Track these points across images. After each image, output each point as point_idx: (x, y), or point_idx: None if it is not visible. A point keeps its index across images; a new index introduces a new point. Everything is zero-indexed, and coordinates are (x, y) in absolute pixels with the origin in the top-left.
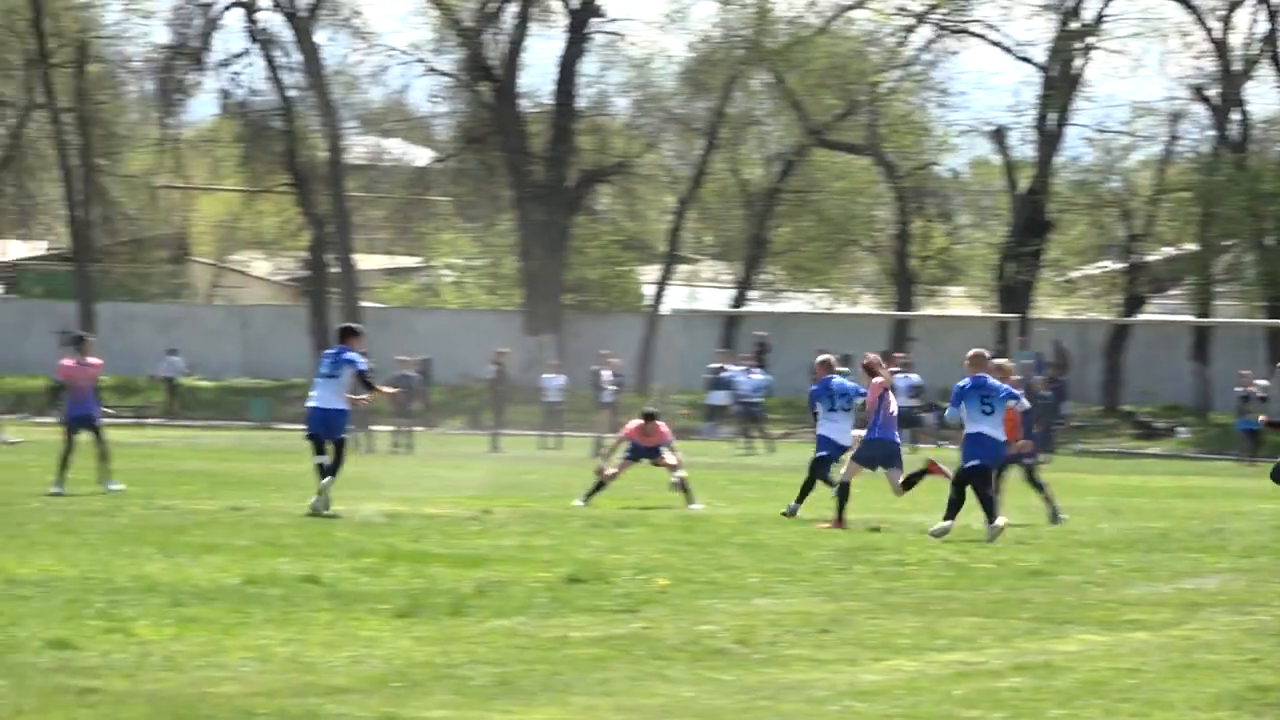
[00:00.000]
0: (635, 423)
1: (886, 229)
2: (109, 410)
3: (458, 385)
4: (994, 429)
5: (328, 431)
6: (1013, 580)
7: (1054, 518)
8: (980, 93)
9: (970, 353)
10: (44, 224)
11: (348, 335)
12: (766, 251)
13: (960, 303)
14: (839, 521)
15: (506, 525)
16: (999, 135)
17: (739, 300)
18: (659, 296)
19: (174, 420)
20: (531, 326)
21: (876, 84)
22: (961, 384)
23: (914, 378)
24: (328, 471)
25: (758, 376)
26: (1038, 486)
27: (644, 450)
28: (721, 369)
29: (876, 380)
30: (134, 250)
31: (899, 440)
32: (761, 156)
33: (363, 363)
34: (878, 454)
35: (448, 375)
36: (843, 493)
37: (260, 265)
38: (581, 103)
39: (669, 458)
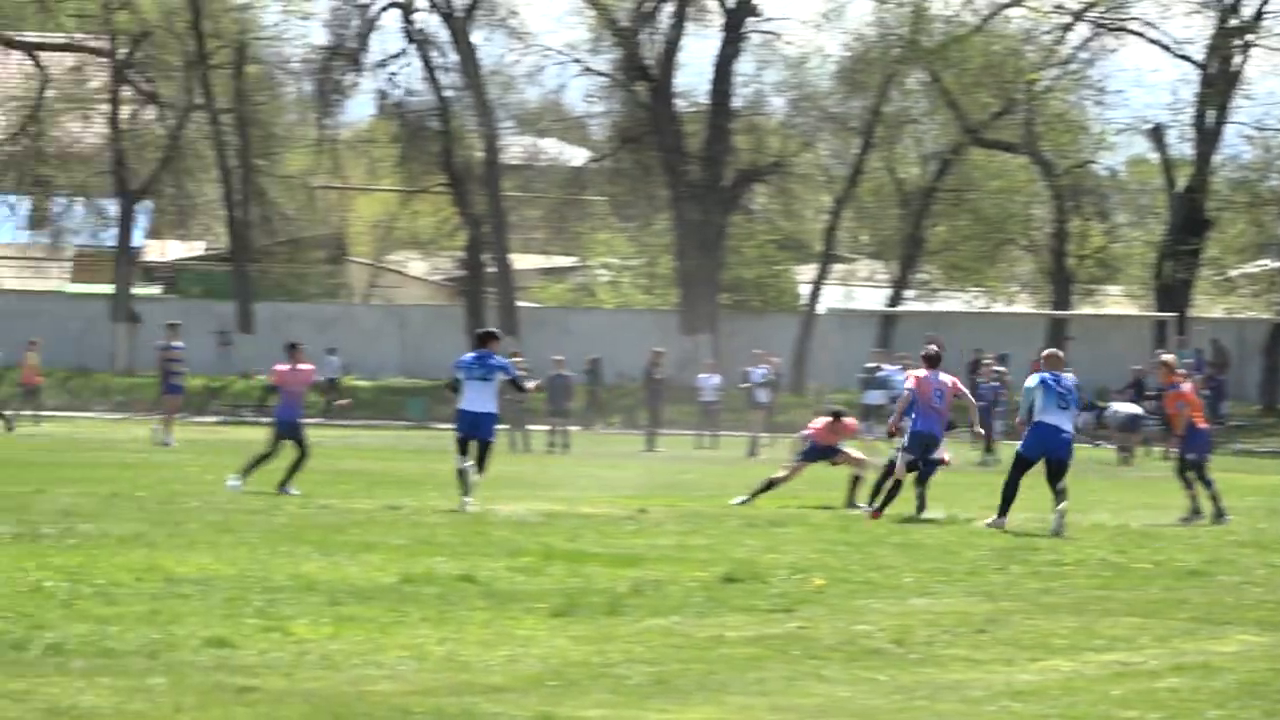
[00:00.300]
0: (822, 421)
1: (1043, 228)
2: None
3: (613, 385)
4: (1064, 422)
5: (478, 434)
6: (1171, 580)
7: (1218, 516)
8: (1138, 90)
9: (1046, 352)
10: (202, 224)
11: (489, 339)
12: (922, 250)
13: (1117, 302)
14: (878, 513)
15: (662, 524)
16: (1157, 133)
17: (895, 299)
18: (814, 296)
19: (332, 420)
20: (687, 326)
21: (1033, 82)
22: (1042, 376)
23: (1071, 377)
24: (472, 472)
25: None
26: (1205, 484)
27: (821, 450)
28: (877, 368)
29: (916, 374)
30: (291, 250)
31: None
32: (917, 155)
33: (511, 367)
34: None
35: (606, 375)
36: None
37: (417, 265)
38: (737, 102)
39: (852, 453)
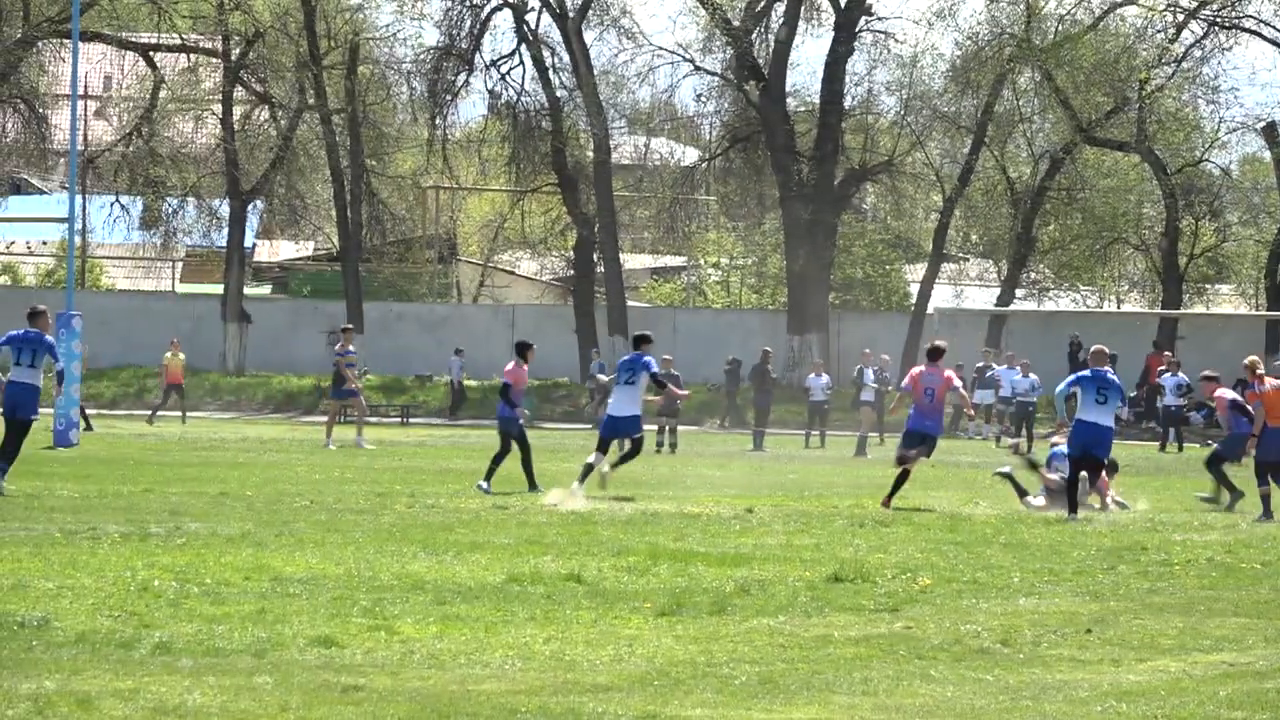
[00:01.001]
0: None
1: (1154, 227)
2: (380, 408)
3: (722, 385)
4: (1104, 418)
5: (618, 435)
6: None
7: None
8: (1251, 88)
9: (1093, 348)
10: (313, 225)
11: (642, 342)
12: (1033, 249)
13: (1229, 301)
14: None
15: (769, 524)
16: (1270, 131)
17: (1004, 299)
18: (924, 295)
19: (456, 421)
20: (796, 325)
21: (1146, 80)
22: (1082, 374)
23: (1182, 377)
24: (623, 460)
25: (1033, 376)
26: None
27: None
28: (988, 368)
29: (913, 370)
30: (401, 250)
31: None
32: (1029, 154)
33: (655, 365)
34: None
35: (715, 374)
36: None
37: (527, 265)
38: (848, 101)
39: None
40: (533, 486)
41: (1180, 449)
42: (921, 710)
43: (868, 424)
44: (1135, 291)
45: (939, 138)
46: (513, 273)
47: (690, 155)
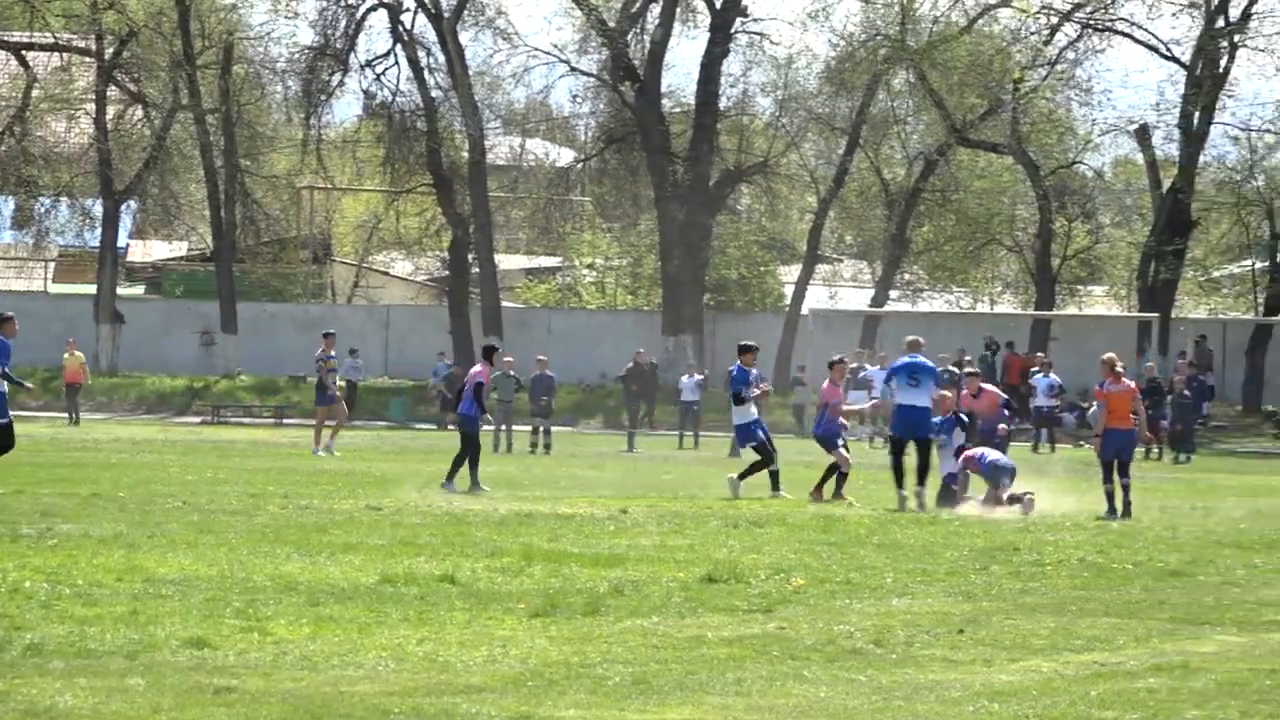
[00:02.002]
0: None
1: (1028, 228)
2: (253, 408)
3: (596, 385)
4: (920, 400)
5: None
6: (1151, 581)
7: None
8: (1124, 91)
9: (908, 338)
10: (187, 225)
11: (745, 352)
12: (907, 251)
13: (1102, 302)
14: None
15: (643, 525)
16: (1143, 134)
17: (879, 300)
18: (799, 296)
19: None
20: (671, 326)
21: (1020, 82)
22: (895, 363)
23: (1054, 378)
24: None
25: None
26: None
27: None
28: (861, 368)
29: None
30: (276, 250)
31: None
32: (903, 155)
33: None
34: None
35: (588, 375)
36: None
37: (401, 265)
38: (724, 102)
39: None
40: (475, 485)
41: (1053, 449)
42: (795, 711)
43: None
44: (1009, 292)
45: (814, 139)
46: (387, 273)
47: (565, 156)
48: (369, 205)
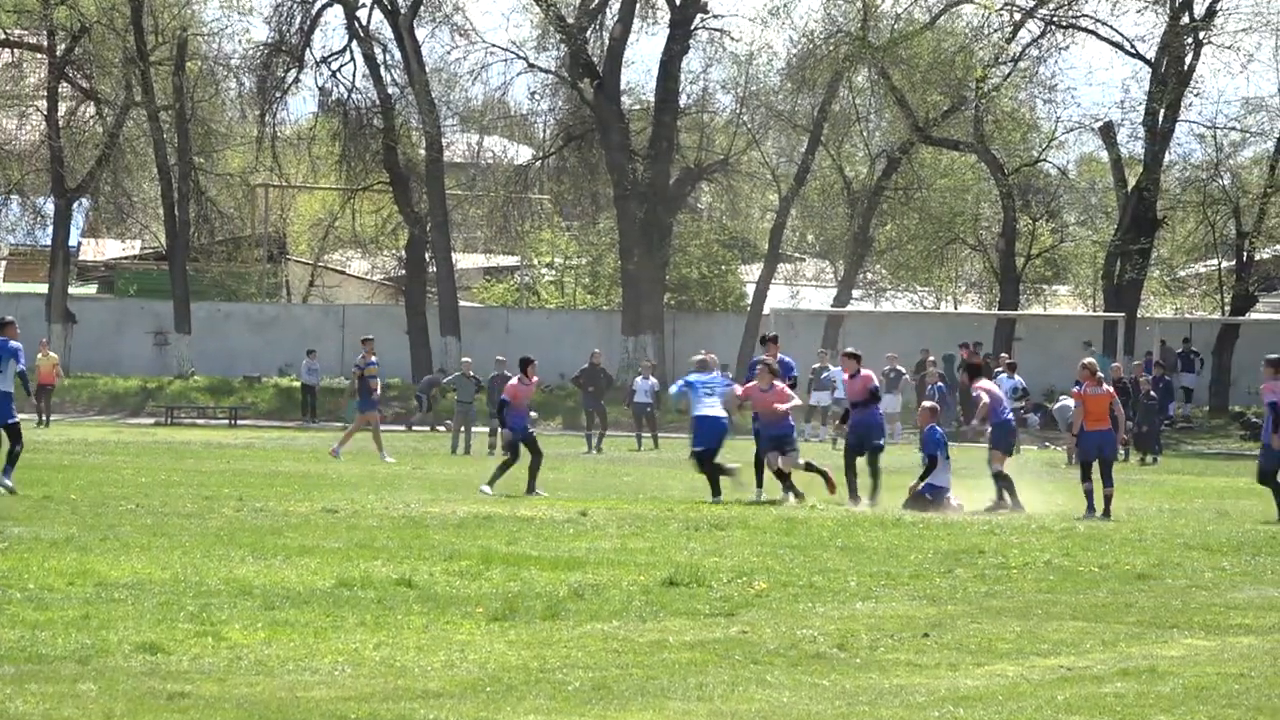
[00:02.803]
0: None
1: (992, 227)
2: (205, 410)
3: (555, 386)
4: (718, 410)
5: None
6: (1117, 584)
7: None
8: (1089, 88)
9: (696, 358)
10: (140, 223)
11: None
12: (870, 250)
13: (1066, 302)
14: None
15: (603, 527)
16: (1107, 131)
17: (841, 299)
18: (761, 295)
19: (310, 424)
20: (630, 326)
21: (983, 80)
22: (688, 378)
23: (1018, 379)
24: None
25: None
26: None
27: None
28: (823, 369)
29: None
30: (230, 249)
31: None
32: (865, 153)
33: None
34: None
35: (547, 376)
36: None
37: (358, 264)
38: (684, 100)
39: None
40: (531, 489)
41: (1016, 451)
42: (757, 715)
43: None
44: (973, 292)
45: (775, 136)
46: (343, 272)
47: (524, 154)
48: (325, 203)
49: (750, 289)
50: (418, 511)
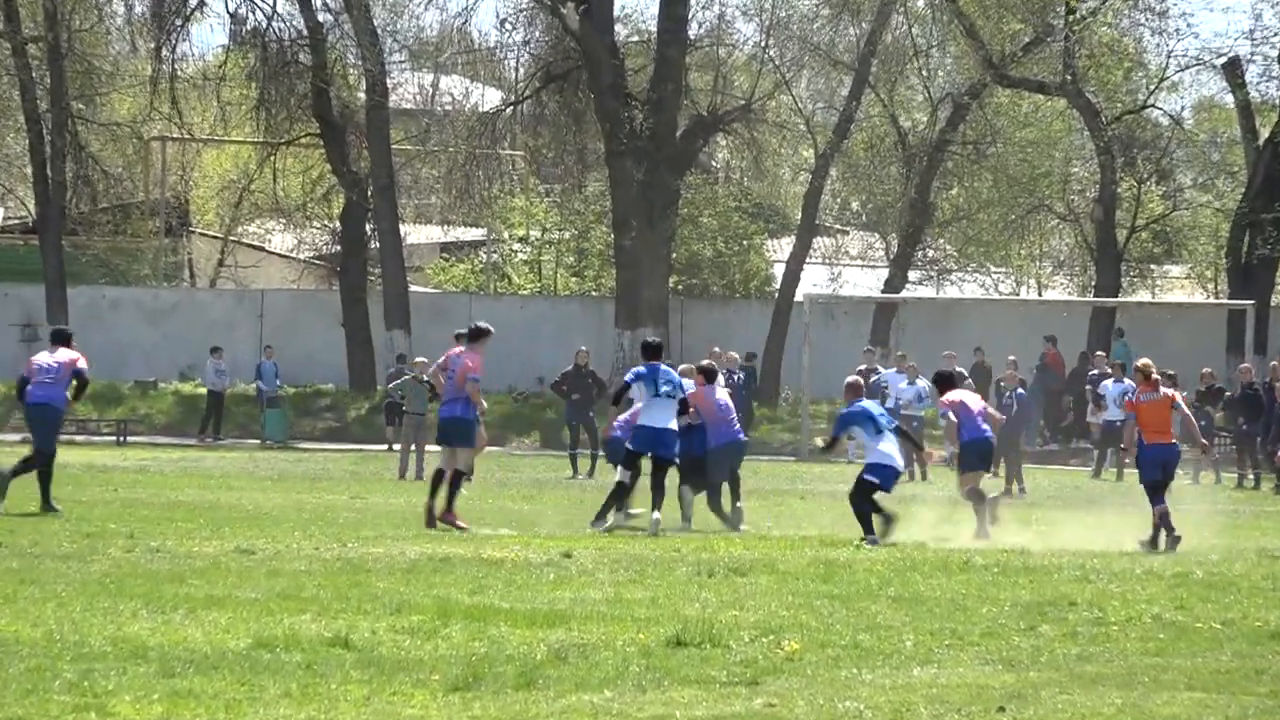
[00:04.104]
0: None
1: (1086, 191)
2: (86, 424)
3: (531, 393)
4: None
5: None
6: (1245, 644)
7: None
8: (1209, 15)
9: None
10: (3, 185)
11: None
12: (930, 220)
13: (1181, 286)
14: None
15: (592, 572)
16: (1233, 69)
17: (895, 283)
18: (792, 278)
19: (218, 440)
20: (627, 318)
21: (1075, 5)
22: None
23: (1128, 384)
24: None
25: (921, 383)
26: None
27: None
28: (872, 371)
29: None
30: (118, 219)
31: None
32: (925, 98)
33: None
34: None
35: (521, 380)
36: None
37: (280, 239)
38: (694, 29)
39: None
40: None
41: (1120, 476)
42: None
43: None
44: (1061, 274)
45: (810, 76)
46: (262, 249)
47: (491, 98)
48: (237, 161)
49: (779, 270)
50: (356, 553)
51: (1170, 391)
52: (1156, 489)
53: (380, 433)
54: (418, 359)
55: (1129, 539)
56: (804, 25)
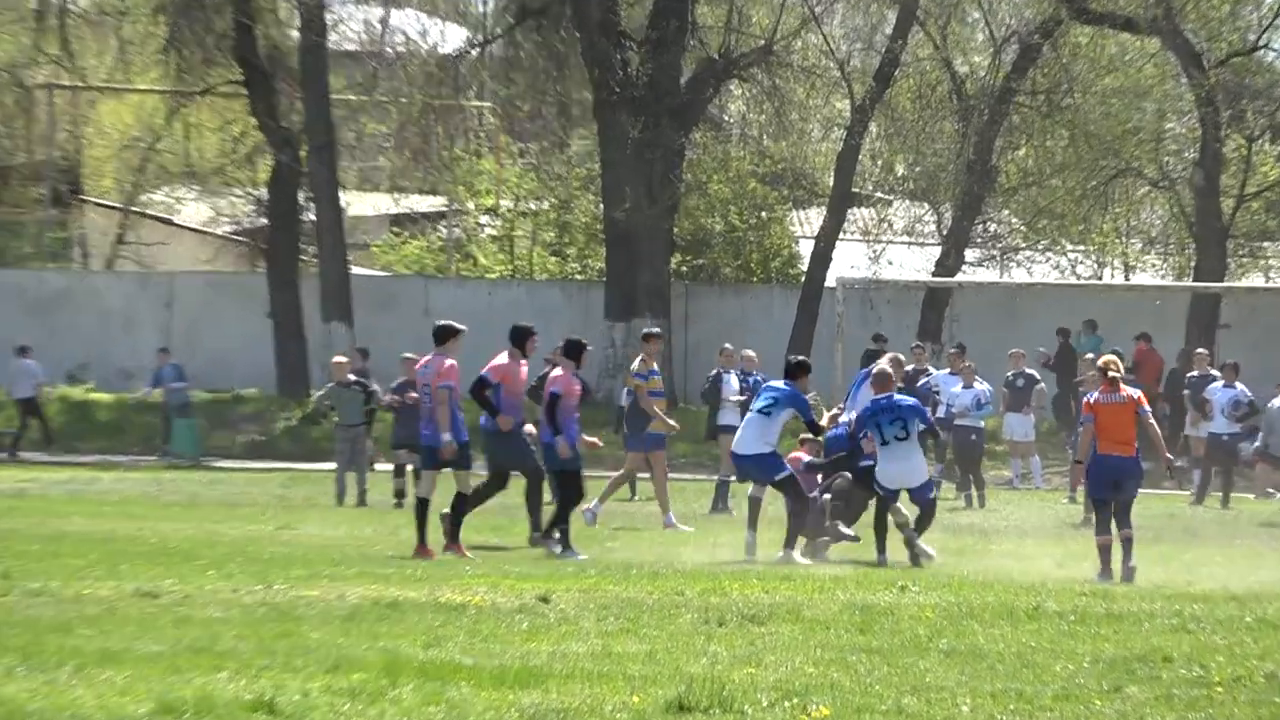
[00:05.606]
0: None
1: (1184, 152)
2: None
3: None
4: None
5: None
6: None
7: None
8: None
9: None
10: None
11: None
12: (993, 188)
13: None
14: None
15: (575, 620)
16: None
17: (948, 264)
18: (823, 259)
19: (54, 456)
20: (619, 307)
21: None
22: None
23: (1240, 390)
24: None
25: (980, 386)
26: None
27: None
28: (922, 372)
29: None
30: None
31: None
32: (986, 38)
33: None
34: None
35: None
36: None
37: (193, 210)
38: None
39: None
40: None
41: (1225, 502)
42: None
43: (729, 461)
44: (1153, 253)
45: (845, 12)
46: (171, 222)
47: (454, 38)
48: (141, 115)
49: (806, 249)
50: (284, 596)
51: (1134, 393)
52: (1103, 507)
53: (313, 447)
54: (405, 355)
55: (1235, 578)
56: None
